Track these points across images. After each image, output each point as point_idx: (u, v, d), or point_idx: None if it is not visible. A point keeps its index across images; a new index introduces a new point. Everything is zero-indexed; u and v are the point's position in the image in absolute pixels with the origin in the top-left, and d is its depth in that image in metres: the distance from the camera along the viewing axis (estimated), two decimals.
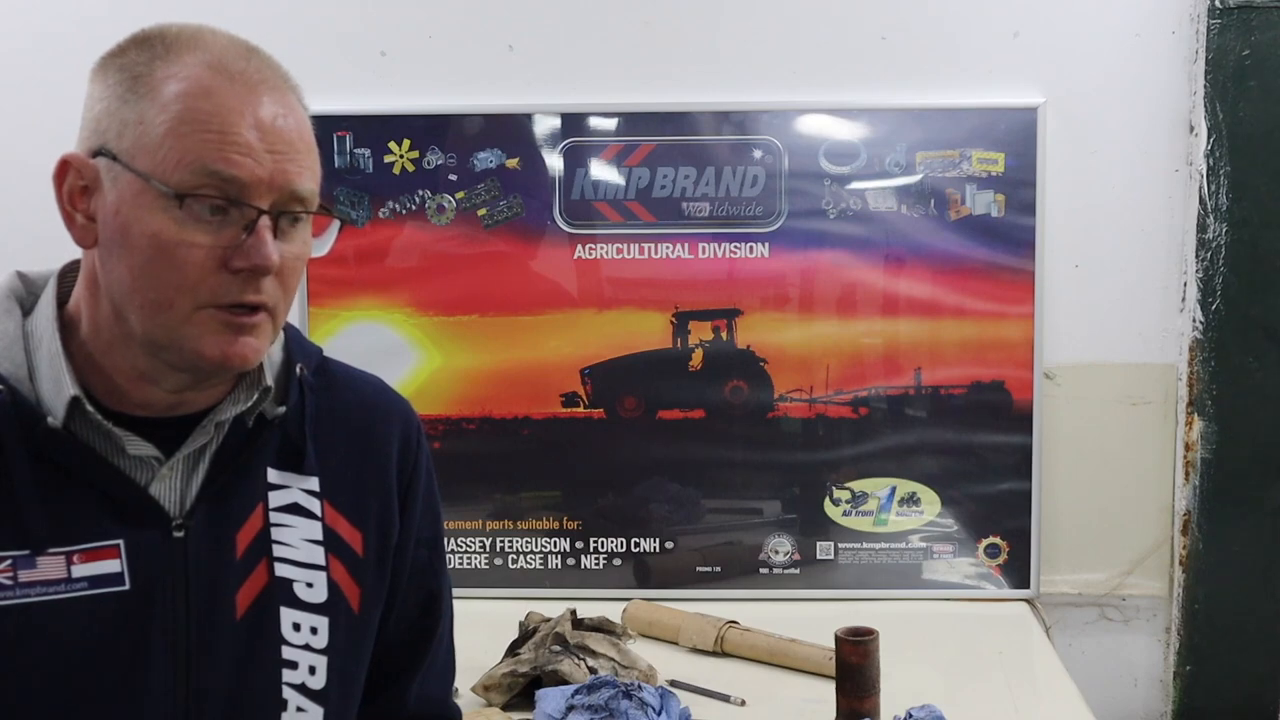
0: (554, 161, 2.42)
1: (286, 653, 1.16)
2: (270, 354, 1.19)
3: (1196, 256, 2.37)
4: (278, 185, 1.06)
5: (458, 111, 2.43)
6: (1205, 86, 2.34)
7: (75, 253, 1.13)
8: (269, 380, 1.16)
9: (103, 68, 1.09)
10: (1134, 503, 2.46)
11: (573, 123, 2.43)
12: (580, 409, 2.45)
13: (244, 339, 1.07)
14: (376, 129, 2.43)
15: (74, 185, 1.08)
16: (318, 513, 1.19)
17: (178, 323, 1.05)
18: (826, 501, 2.45)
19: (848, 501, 2.44)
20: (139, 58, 1.07)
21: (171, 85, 1.05)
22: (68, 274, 1.15)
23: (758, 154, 2.41)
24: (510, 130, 2.43)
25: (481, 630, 1.96)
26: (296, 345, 1.23)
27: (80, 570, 1.08)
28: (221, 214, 1.05)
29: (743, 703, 1.91)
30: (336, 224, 1.16)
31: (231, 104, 1.05)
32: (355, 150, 2.43)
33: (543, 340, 2.44)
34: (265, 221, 1.06)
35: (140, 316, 1.06)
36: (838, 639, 1.70)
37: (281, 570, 1.16)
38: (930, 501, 2.44)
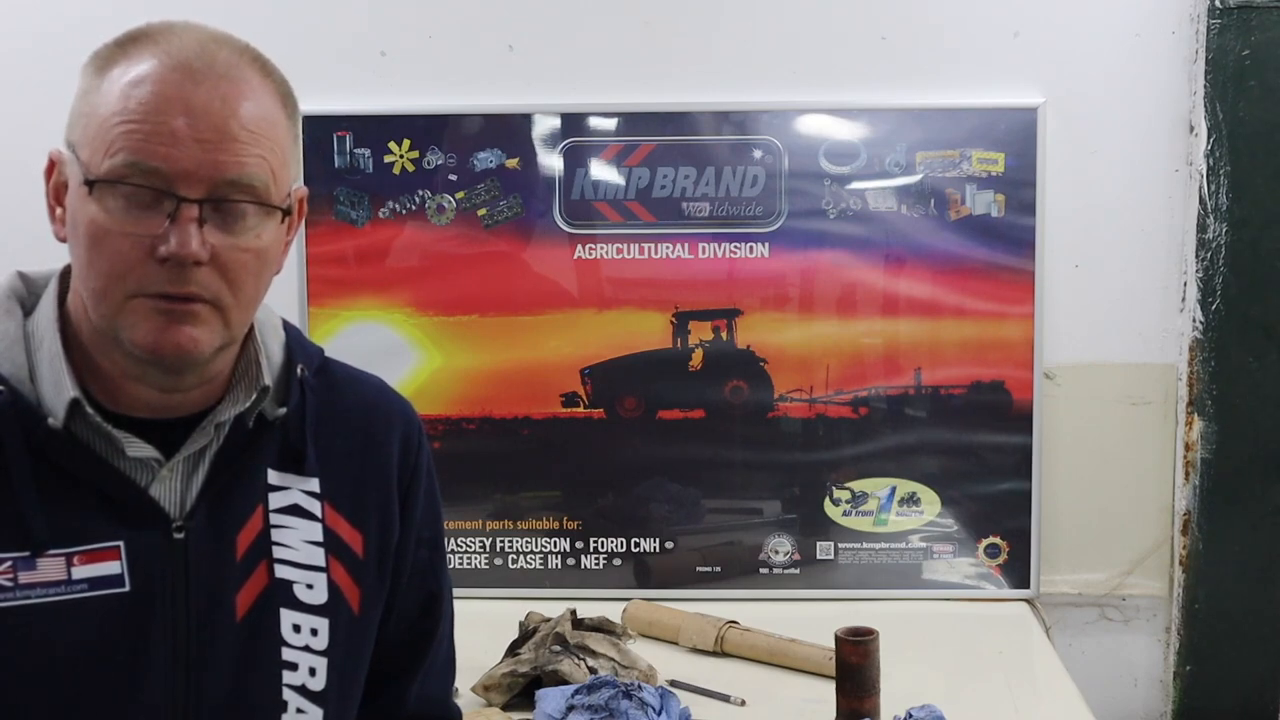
0: (554, 161, 2.42)
1: (286, 654, 1.16)
2: (270, 354, 1.19)
3: (1196, 256, 2.37)
4: (208, 175, 1.05)
5: (458, 111, 2.43)
6: (1205, 86, 2.34)
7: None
8: (267, 380, 1.16)
9: (85, 64, 1.10)
10: (1134, 503, 2.46)
11: (573, 123, 2.42)
12: (580, 409, 2.45)
13: (181, 327, 1.06)
14: (376, 129, 2.43)
15: (58, 181, 1.11)
16: (318, 514, 1.19)
17: (114, 312, 1.06)
18: (826, 501, 2.45)
19: (848, 501, 2.44)
20: (111, 53, 1.08)
21: (119, 77, 1.06)
22: (68, 274, 1.15)
23: (758, 154, 2.41)
24: (510, 130, 2.43)
25: (481, 630, 1.96)
26: (297, 346, 1.23)
27: (80, 572, 1.08)
28: (152, 203, 1.04)
29: (743, 703, 1.91)
30: (279, 214, 1.11)
31: (166, 92, 1.04)
32: (355, 150, 2.43)
33: (543, 340, 2.44)
34: (190, 211, 1.04)
35: (91, 306, 1.08)
36: (838, 639, 1.70)
37: (281, 572, 1.16)
38: (930, 501, 2.44)
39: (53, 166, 1.11)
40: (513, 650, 1.97)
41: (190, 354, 1.07)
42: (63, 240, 1.11)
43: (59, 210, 1.11)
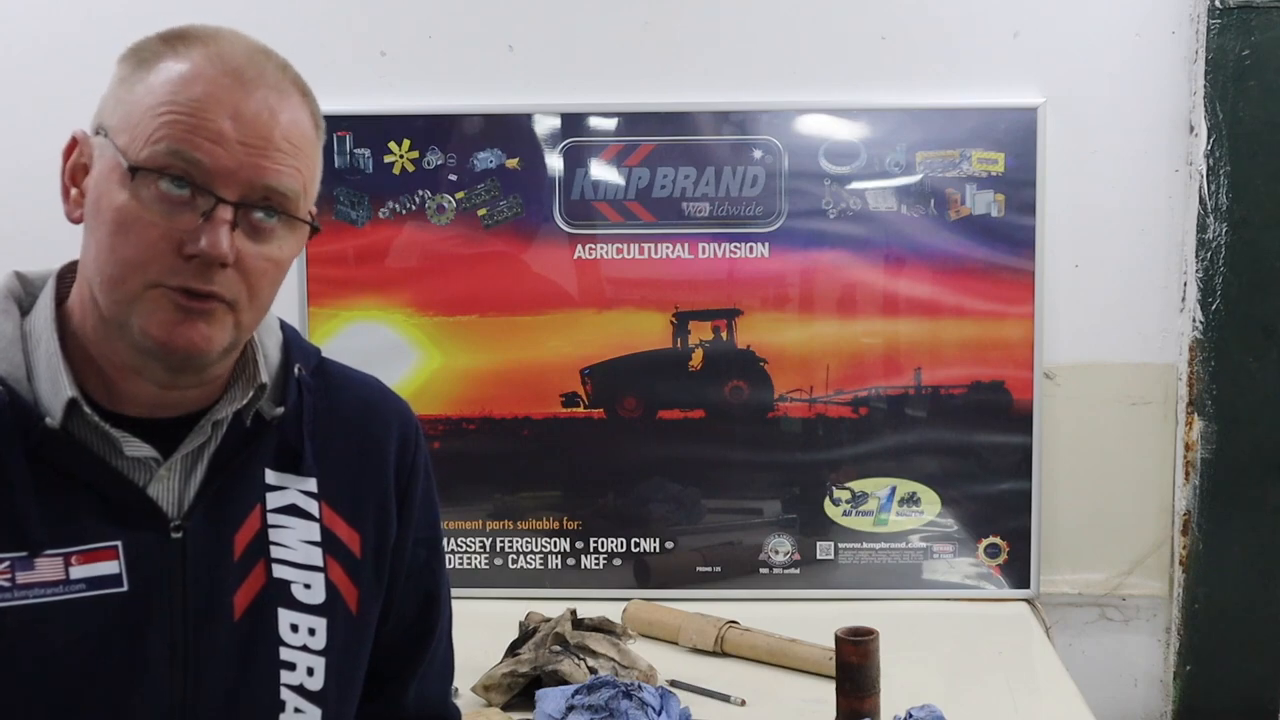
0: (554, 161, 2.42)
1: (284, 654, 1.16)
2: (267, 354, 1.19)
3: (1196, 256, 2.37)
4: (246, 179, 1.06)
5: (458, 111, 2.43)
6: (1205, 86, 2.34)
7: (74, 253, 1.13)
8: (264, 378, 1.16)
9: (124, 55, 1.10)
10: (1134, 503, 2.46)
11: (573, 123, 2.42)
12: (580, 409, 2.45)
13: (195, 323, 1.06)
14: (376, 129, 2.43)
15: (76, 161, 1.11)
16: (315, 514, 1.19)
17: (129, 299, 1.06)
18: (826, 501, 2.45)
19: (848, 501, 2.44)
20: (156, 48, 1.09)
21: (167, 71, 1.06)
22: (66, 274, 1.15)
23: (758, 154, 2.41)
24: (510, 130, 2.43)
25: (481, 630, 1.96)
26: (295, 346, 1.23)
27: (78, 572, 1.08)
28: (187, 198, 1.05)
29: (743, 703, 1.91)
30: (307, 230, 1.14)
31: (217, 94, 1.06)
32: (355, 150, 2.43)
33: (543, 340, 2.44)
34: (225, 212, 1.05)
35: (102, 293, 1.07)
36: (838, 639, 1.70)
37: (279, 571, 1.16)
38: (930, 501, 2.44)
39: (74, 146, 1.11)
40: (513, 650, 1.97)
41: (201, 352, 1.08)
42: (75, 221, 1.11)
43: (74, 191, 1.11)
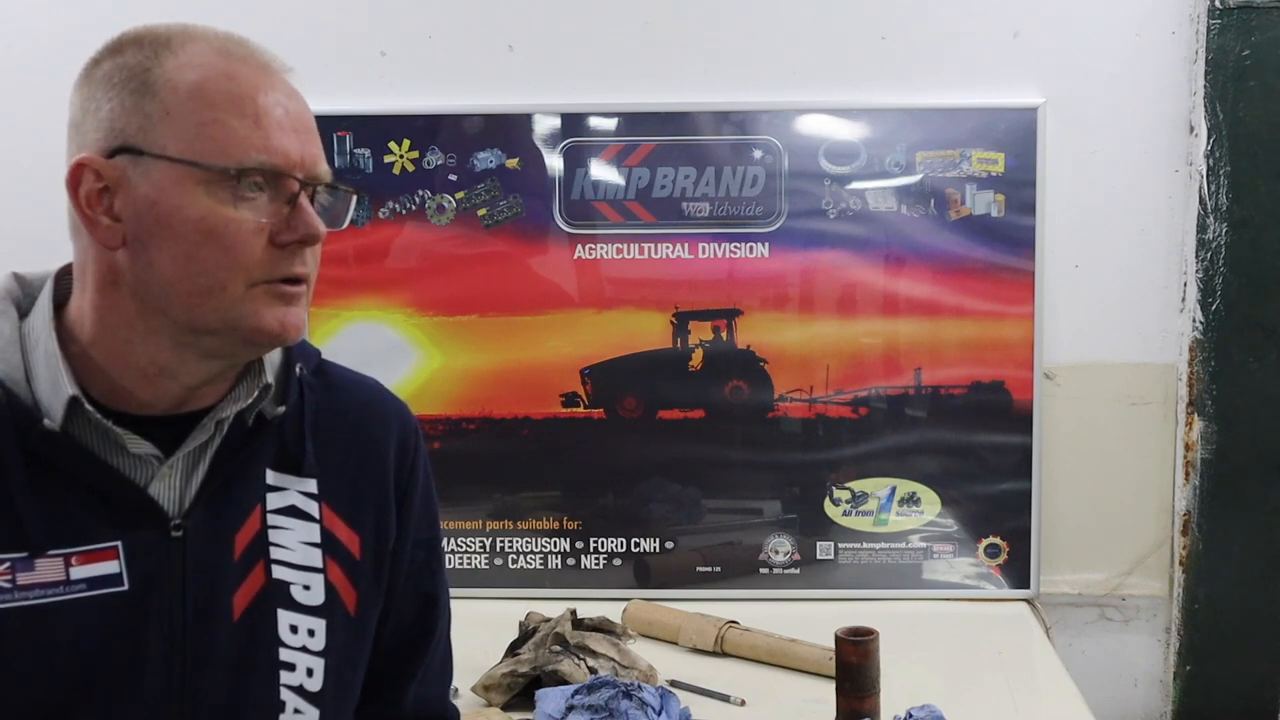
0: (554, 161, 2.42)
1: (284, 654, 1.16)
2: (270, 353, 1.18)
3: (1196, 256, 2.37)
4: (308, 162, 1.10)
5: (458, 111, 2.43)
6: (1205, 86, 2.34)
7: (69, 255, 1.13)
8: (269, 378, 1.16)
9: (99, 70, 1.08)
10: (1134, 503, 2.46)
11: (573, 123, 2.42)
12: (580, 409, 2.45)
13: (293, 309, 1.10)
14: (376, 129, 2.43)
15: (91, 188, 1.06)
16: (315, 515, 1.19)
17: (233, 303, 1.07)
18: (826, 501, 2.45)
19: (848, 501, 2.44)
20: (139, 55, 1.07)
21: (189, 74, 1.06)
22: (63, 277, 1.14)
23: (758, 154, 2.41)
24: (510, 130, 2.43)
25: (481, 630, 1.96)
26: (295, 345, 1.22)
27: (79, 572, 1.08)
28: (260, 192, 1.07)
29: (743, 703, 1.91)
30: (354, 198, 1.18)
31: (255, 83, 1.07)
32: (355, 150, 2.43)
33: (543, 340, 2.44)
34: (306, 194, 1.09)
35: (188, 304, 1.06)
36: (838, 639, 1.70)
37: (279, 572, 1.16)
38: (930, 501, 2.44)
39: (80, 173, 1.06)
40: (513, 650, 1.97)
41: (301, 333, 1.12)
42: (114, 247, 1.07)
43: (104, 219, 1.06)
